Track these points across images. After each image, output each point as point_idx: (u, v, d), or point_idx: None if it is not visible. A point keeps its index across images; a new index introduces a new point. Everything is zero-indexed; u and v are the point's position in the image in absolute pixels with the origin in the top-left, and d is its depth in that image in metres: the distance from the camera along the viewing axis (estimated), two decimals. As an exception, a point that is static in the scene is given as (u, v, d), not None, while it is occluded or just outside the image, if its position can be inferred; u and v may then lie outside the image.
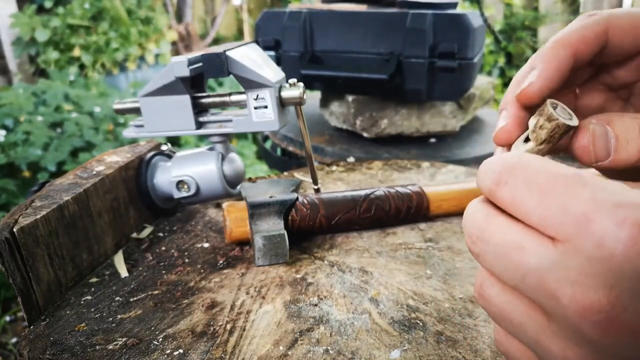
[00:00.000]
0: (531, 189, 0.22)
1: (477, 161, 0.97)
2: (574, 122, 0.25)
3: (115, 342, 0.42)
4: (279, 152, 1.23)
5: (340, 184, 0.74)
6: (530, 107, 0.28)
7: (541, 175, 0.22)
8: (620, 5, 2.59)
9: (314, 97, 1.34)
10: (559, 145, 0.29)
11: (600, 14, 0.28)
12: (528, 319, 0.23)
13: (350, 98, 1.08)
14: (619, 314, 0.20)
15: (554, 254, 0.21)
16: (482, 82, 1.18)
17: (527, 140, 0.26)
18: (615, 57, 0.29)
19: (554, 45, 0.27)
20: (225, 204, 0.57)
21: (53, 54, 3.39)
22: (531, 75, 0.27)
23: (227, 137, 0.61)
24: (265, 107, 0.55)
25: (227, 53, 0.53)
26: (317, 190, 0.61)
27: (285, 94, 0.55)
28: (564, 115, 0.25)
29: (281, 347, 0.40)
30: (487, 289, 0.25)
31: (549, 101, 0.25)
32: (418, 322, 0.43)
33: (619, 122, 0.26)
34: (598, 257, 0.20)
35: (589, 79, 0.32)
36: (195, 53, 0.56)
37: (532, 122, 0.26)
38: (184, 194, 0.60)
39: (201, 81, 0.59)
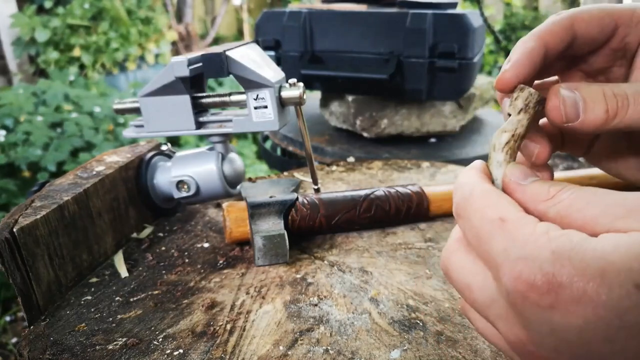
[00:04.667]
0: (471, 229, 0.25)
1: (477, 161, 0.97)
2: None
3: (115, 342, 0.42)
4: (279, 152, 1.23)
5: (340, 184, 0.74)
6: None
7: (476, 217, 0.25)
8: (620, 3, 2.58)
9: (314, 97, 1.34)
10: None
11: (567, 11, 0.31)
12: (499, 341, 0.27)
13: (350, 98, 1.08)
14: (536, 349, 0.23)
15: (493, 291, 0.24)
16: (482, 82, 1.18)
17: (509, 115, 0.29)
18: (585, 46, 0.32)
19: (527, 39, 0.30)
20: (225, 204, 0.57)
21: (53, 54, 3.39)
22: (505, 65, 0.30)
23: (227, 137, 0.61)
24: (265, 107, 0.55)
25: (227, 53, 0.53)
26: (317, 190, 0.61)
27: (285, 94, 0.55)
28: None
29: (281, 347, 0.40)
30: (468, 312, 0.29)
31: (520, 85, 0.29)
32: (418, 322, 0.43)
33: (585, 87, 0.28)
34: (509, 302, 0.23)
35: (567, 67, 0.34)
36: (195, 53, 0.56)
37: (510, 99, 0.29)
38: (184, 194, 0.60)
39: (201, 81, 0.59)
